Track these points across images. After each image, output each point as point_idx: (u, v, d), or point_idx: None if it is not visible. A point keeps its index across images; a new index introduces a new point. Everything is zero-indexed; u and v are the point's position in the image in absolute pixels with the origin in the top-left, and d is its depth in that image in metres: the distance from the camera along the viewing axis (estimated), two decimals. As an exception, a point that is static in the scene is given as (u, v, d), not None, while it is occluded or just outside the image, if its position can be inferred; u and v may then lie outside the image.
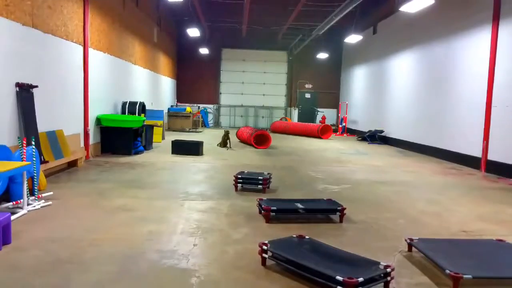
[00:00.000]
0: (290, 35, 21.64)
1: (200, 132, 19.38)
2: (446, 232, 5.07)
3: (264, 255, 3.83)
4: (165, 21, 19.49)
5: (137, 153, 10.95)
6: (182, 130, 18.96)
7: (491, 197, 7.34)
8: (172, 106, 21.68)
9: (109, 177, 7.85)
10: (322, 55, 22.26)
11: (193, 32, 17.17)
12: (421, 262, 4.05)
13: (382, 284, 3.39)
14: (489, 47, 10.11)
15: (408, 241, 4.32)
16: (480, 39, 10.56)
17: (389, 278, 3.40)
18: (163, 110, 16.23)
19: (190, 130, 19.55)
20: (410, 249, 4.34)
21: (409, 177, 9.09)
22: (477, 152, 10.43)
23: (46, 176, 7.21)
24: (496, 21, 9.87)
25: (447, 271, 3.50)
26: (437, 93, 12.79)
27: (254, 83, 24.67)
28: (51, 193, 6.23)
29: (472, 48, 10.98)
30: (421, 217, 5.83)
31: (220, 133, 15.10)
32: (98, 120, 10.50)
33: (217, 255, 4.08)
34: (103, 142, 10.73)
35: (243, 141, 14.82)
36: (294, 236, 4.27)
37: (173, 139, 11.84)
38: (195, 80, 24.01)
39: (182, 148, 11.23)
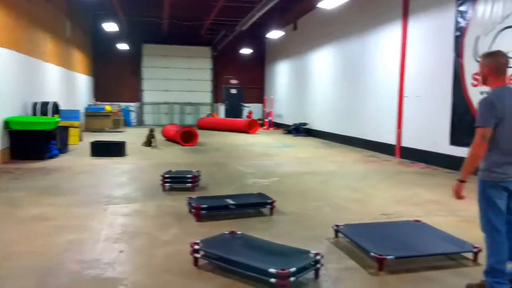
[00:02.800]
0: (214, 30, 21.44)
1: (122, 131, 18.51)
2: (368, 217, 5.34)
3: (195, 254, 3.72)
4: (79, 15, 18.29)
5: (51, 157, 10.15)
6: (102, 131, 17.95)
7: (407, 181, 7.90)
8: (89, 105, 20.44)
9: (21, 185, 7.17)
10: (246, 51, 22.39)
11: (110, 26, 16.32)
12: (347, 247, 4.21)
13: (313, 271, 3.48)
14: (400, 42, 10.84)
15: (335, 227, 4.48)
16: (392, 35, 11.27)
17: (319, 265, 3.49)
18: (79, 110, 15.25)
19: (111, 130, 18.63)
20: (336, 235, 4.49)
21: (333, 167, 9.49)
22: (392, 140, 11.18)
23: None
24: (405, 17, 10.61)
25: (372, 254, 3.69)
26: (354, 86, 13.49)
27: (179, 79, 24.11)
28: (-49, 207, 5.54)
29: (384, 44, 11.71)
30: (345, 204, 6.10)
31: (144, 132, 14.53)
32: (6, 123, 9.55)
33: (145, 260, 3.89)
34: (12, 147, 9.77)
35: (170, 139, 14.44)
36: (226, 232, 4.22)
37: (92, 140, 11.17)
38: (115, 77, 22.83)
39: (103, 150, 10.62)
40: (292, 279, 3.20)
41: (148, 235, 4.60)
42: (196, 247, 3.72)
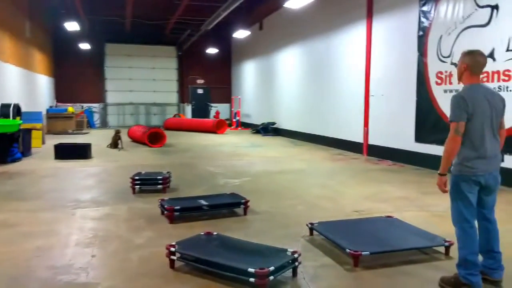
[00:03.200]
0: (179, 29, 21.13)
1: (86, 133, 17.97)
2: (341, 214, 5.42)
3: (172, 257, 3.65)
4: (39, 14, 17.55)
5: (14, 160, 9.70)
6: (65, 133, 17.35)
7: (375, 178, 8.09)
8: (51, 106, 19.70)
9: (-20, 190, 6.81)
10: (212, 50, 22.22)
11: (72, 26, 15.77)
12: (322, 244, 4.26)
13: (291, 269, 3.48)
14: (365, 42, 11.08)
15: (309, 225, 4.51)
16: (357, 34, 11.51)
17: (296, 263, 3.51)
18: (41, 112, 14.65)
19: (74, 132, 18.03)
20: (311, 233, 4.53)
21: (302, 165, 9.58)
22: (359, 138, 11.42)
23: None
24: (370, 17, 10.85)
25: (347, 250, 3.74)
26: (321, 85, 13.68)
27: (143, 79, 23.61)
28: None
29: (350, 43, 11.94)
30: (318, 201, 6.17)
31: (109, 133, 14.12)
32: (-39, 126, 9.06)
33: (119, 264, 3.78)
34: (-31, 151, 9.27)
35: (136, 140, 14.13)
36: (202, 233, 4.16)
37: (56, 143, 10.76)
38: (77, 77, 22.06)
39: (67, 152, 10.25)
40: (271, 278, 3.20)
41: (121, 239, 4.47)
42: (172, 249, 3.65)
